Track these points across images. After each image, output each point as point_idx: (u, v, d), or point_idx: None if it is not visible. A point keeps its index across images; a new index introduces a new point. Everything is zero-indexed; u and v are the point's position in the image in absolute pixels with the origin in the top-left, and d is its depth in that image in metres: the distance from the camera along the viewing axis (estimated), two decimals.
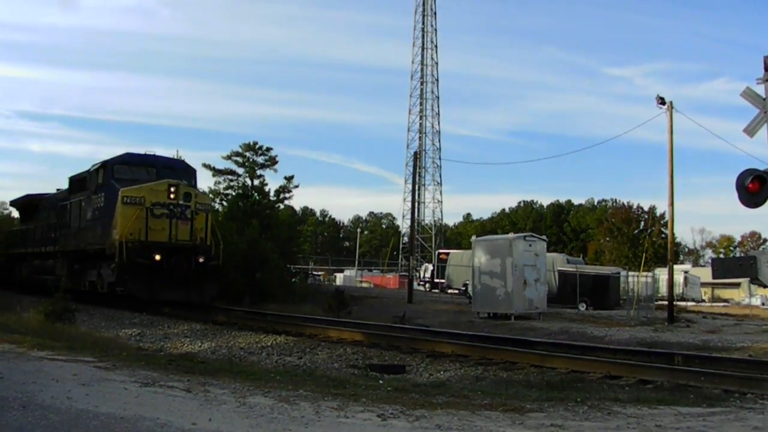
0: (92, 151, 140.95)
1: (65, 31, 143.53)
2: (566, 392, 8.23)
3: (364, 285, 52.23)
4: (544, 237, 28.15)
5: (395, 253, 72.52)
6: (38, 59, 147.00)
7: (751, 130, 11.67)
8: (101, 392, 6.63)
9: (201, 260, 20.68)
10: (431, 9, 69.15)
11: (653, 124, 64.48)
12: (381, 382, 8.92)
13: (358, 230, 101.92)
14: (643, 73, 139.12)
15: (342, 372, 10.47)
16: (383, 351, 12.86)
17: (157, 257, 19.72)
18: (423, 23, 68.94)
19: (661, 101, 25.43)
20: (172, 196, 20.76)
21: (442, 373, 10.70)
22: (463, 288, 37.39)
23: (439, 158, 69.80)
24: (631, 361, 11.08)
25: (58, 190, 28.99)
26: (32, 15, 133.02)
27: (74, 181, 25.01)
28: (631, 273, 35.24)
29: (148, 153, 23.14)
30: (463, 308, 27.43)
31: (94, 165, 23.11)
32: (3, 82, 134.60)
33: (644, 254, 44.85)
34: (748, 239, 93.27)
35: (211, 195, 32.57)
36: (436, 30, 69.34)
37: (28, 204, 32.29)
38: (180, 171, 22.82)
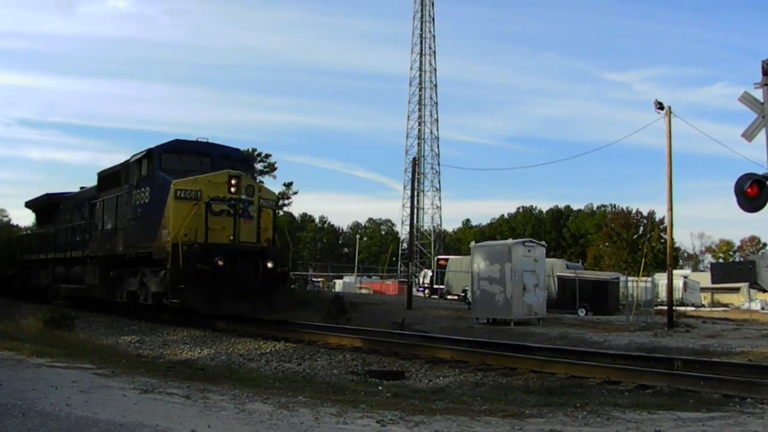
0: (92, 159, 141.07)
1: (65, 39, 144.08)
2: (565, 397, 8.22)
3: (364, 291, 52.18)
4: (543, 242, 28.17)
5: (394, 259, 72.60)
6: (38, 67, 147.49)
7: (749, 135, 11.70)
8: (101, 399, 6.62)
9: (270, 266, 17.43)
10: (429, 15, 69.47)
11: (652, 129, 64.59)
12: (380, 388, 8.91)
13: (357, 236, 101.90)
14: (642, 78, 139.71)
15: (341, 378, 10.46)
16: (382, 357, 12.85)
17: (220, 262, 16.50)
18: (421, 29, 69.23)
19: (660, 106, 25.51)
20: (233, 189, 17.57)
21: (441, 378, 10.70)
22: (463, 294, 37.38)
23: (438, 164, 70.05)
24: (631, 366, 11.07)
25: (82, 188, 26.18)
26: (32, 23, 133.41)
27: (105, 176, 22.14)
28: (630, 278, 35.23)
29: (200, 139, 19.56)
30: (462, 314, 27.40)
31: (134, 155, 19.90)
32: (2, 90, 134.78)
33: (643, 259, 44.76)
34: (748, 244, 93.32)
35: None
36: (434, 36, 69.65)
37: (46, 204, 29.31)
38: (237, 162, 19.38)
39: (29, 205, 32.36)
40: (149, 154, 18.75)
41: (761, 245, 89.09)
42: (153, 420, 5.78)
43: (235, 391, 7.40)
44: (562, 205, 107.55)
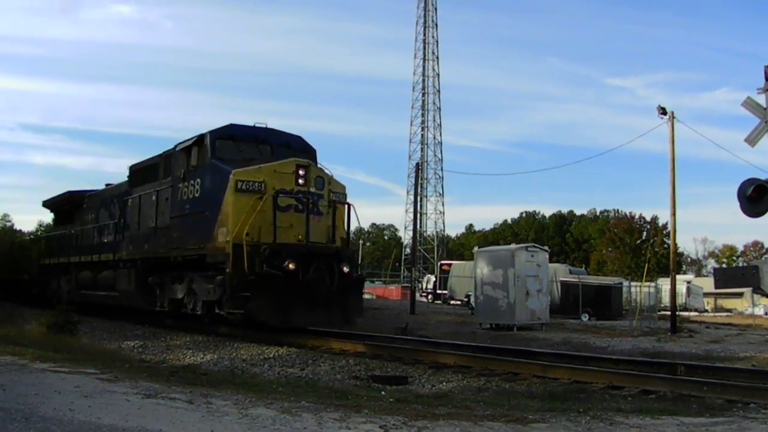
0: (95, 164, 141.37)
1: (68, 44, 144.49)
2: (568, 403, 8.21)
3: (367, 296, 52.13)
4: (547, 248, 28.18)
5: (397, 264, 72.60)
6: (41, 71, 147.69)
7: (752, 140, 11.71)
8: (104, 404, 6.63)
9: (346, 270, 15.32)
10: (432, 20, 69.62)
11: (655, 134, 64.57)
12: (383, 393, 8.91)
13: (360, 241, 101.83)
14: (645, 83, 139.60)
15: (344, 383, 10.46)
16: (385, 362, 12.84)
17: (291, 266, 14.27)
18: (424, 34, 69.38)
19: (663, 111, 25.53)
20: (301, 181, 15.35)
21: (444, 384, 10.69)
22: (466, 299, 37.40)
23: (441, 169, 70.11)
24: (634, 371, 11.05)
25: (108, 185, 24.18)
26: (35, 28, 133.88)
27: (140, 169, 19.91)
28: (633, 283, 35.27)
29: (258, 124, 17.03)
30: (465, 319, 27.39)
31: (178, 144, 17.54)
32: (6, 95, 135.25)
33: (646, 264, 44.82)
34: (751, 249, 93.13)
35: None
36: (437, 41, 69.80)
37: (67, 203, 26.89)
38: (298, 152, 16.80)
39: (48, 204, 30.12)
40: (200, 140, 16.36)
41: (764, 250, 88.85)
42: (156, 425, 5.79)
43: (238, 396, 7.41)
44: (565, 210, 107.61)
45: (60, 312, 16.23)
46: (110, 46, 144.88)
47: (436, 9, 69.88)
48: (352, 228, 16.89)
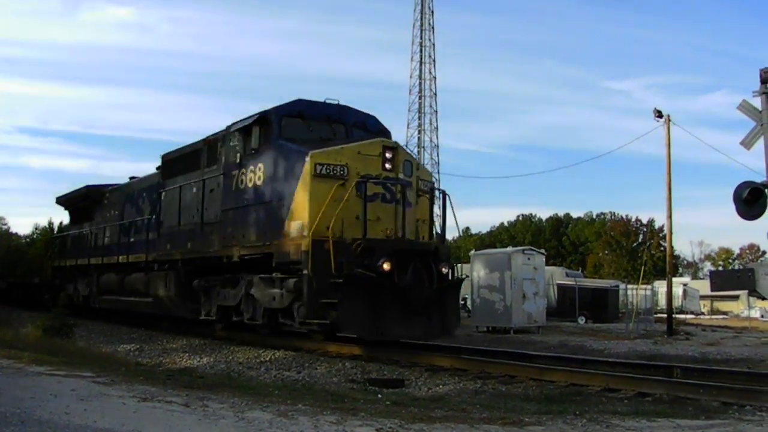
0: (92, 167, 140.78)
1: (66, 47, 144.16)
2: (565, 405, 8.22)
3: None
4: (543, 250, 28.26)
5: None
6: (38, 74, 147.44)
7: (748, 143, 11.75)
8: (100, 407, 6.62)
9: (444, 271, 13.23)
10: (429, 23, 69.47)
11: (652, 137, 64.78)
12: (380, 396, 8.91)
13: None
14: (643, 86, 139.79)
15: (341, 386, 10.45)
16: (382, 365, 12.82)
17: (386, 266, 12.04)
18: (421, 37, 69.22)
19: (659, 114, 25.64)
20: (388, 166, 13.07)
21: (440, 386, 10.69)
22: (462, 302, 37.38)
23: (438, 172, 69.64)
24: (630, 373, 11.05)
25: (132, 178, 22.27)
26: (33, 31, 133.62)
27: (176, 159, 17.77)
28: (630, 286, 35.29)
29: (328, 101, 14.75)
30: (462, 322, 27.35)
31: (233, 123, 15.24)
32: (3, 98, 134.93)
33: (643, 267, 44.89)
34: (747, 251, 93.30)
35: None
36: (434, 44, 69.58)
37: (85, 199, 24.67)
38: (376, 134, 14.64)
39: (62, 200, 27.96)
40: (263, 119, 14.14)
41: (760, 253, 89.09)
42: (152, 428, 5.79)
43: (234, 399, 7.40)
44: (561, 213, 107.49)
45: (56, 315, 16.22)
46: (108, 49, 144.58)
47: (432, 12, 69.75)
48: (449, 222, 14.84)
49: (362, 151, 13.08)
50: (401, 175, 13.30)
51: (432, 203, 14.32)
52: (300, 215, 12.72)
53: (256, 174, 14.11)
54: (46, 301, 25.21)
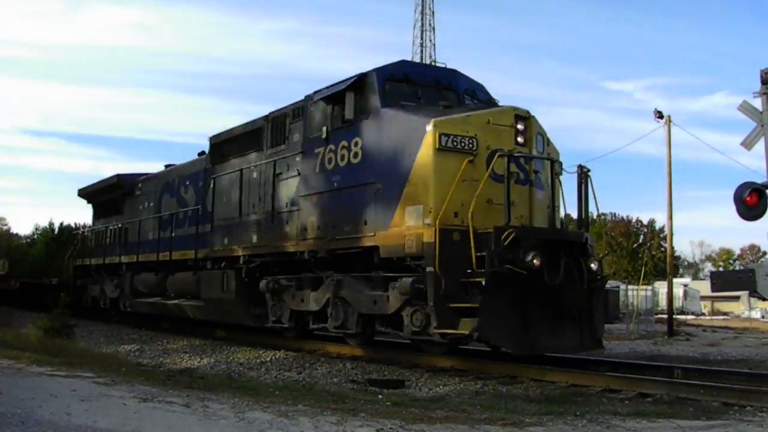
0: (92, 167, 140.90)
1: (67, 48, 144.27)
2: (565, 406, 8.21)
3: None
4: None
5: None
6: (39, 75, 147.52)
7: (748, 144, 11.77)
8: (100, 408, 6.62)
9: (594, 267, 10.96)
10: (430, 24, 69.65)
11: (652, 137, 64.79)
12: (380, 396, 8.90)
13: None
14: (643, 87, 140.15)
15: (341, 387, 10.45)
16: (383, 366, 12.81)
17: (536, 261, 9.85)
18: (422, 38, 69.41)
19: (659, 115, 25.63)
20: (520, 139, 10.90)
21: (441, 387, 10.68)
22: None
23: None
24: (631, 374, 11.04)
25: (167, 166, 20.35)
26: (34, 31, 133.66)
27: (231, 139, 15.70)
28: (630, 286, 35.24)
29: (436, 63, 12.33)
30: None
31: (316, 91, 13.02)
32: (4, 98, 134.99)
33: (643, 268, 44.87)
34: (748, 252, 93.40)
35: None
36: (434, 45, 69.77)
37: (114, 190, 22.35)
38: (488, 104, 12.49)
39: (85, 193, 25.59)
40: (360, 83, 11.80)
41: (761, 253, 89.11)
42: (153, 429, 5.79)
43: (234, 400, 7.40)
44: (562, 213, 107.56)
45: (56, 316, 16.20)
46: (108, 49, 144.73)
47: (433, 13, 69.93)
48: (591, 209, 12.00)
49: (492, 120, 10.86)
50: (535, 151, 11.22)
51: (560, 185, 12.13)
52: (419, 198, 10.52)
53: (351, 151, 11.86)
54: (66, 305, 23.87)
